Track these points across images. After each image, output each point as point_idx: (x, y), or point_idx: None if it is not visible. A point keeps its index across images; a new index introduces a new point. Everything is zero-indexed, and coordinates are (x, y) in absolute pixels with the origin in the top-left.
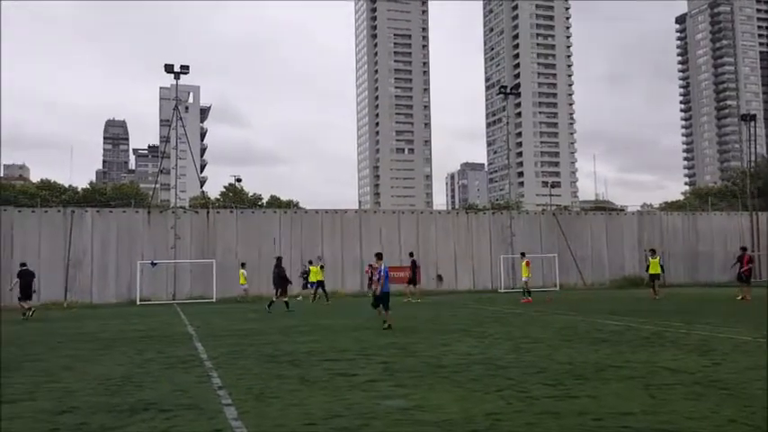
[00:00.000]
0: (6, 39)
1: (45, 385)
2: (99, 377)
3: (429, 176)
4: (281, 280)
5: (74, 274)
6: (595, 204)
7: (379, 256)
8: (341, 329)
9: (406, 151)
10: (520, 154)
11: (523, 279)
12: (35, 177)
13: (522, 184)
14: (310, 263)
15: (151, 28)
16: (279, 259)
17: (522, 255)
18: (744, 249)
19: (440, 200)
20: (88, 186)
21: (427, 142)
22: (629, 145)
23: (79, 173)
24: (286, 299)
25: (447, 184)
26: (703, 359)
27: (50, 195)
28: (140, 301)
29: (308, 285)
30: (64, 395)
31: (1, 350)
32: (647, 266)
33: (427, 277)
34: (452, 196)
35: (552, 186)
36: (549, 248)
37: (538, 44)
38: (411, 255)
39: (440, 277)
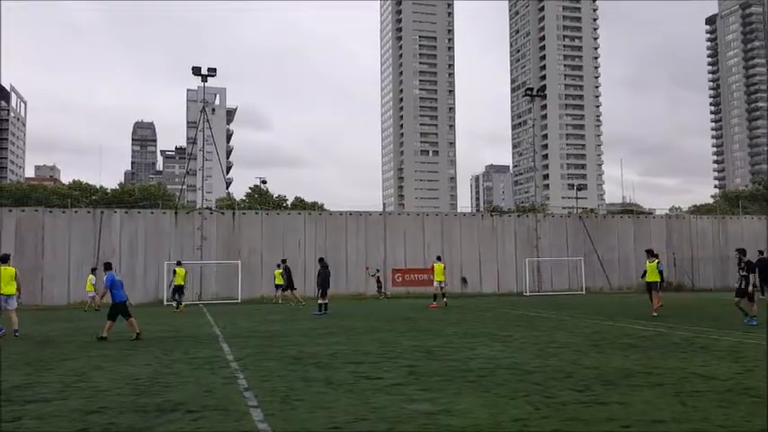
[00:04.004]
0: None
1: (75, 384)
2: (127, 377)
3: (453, 178)
4: (325, 281)
5: (100, 275)
6: (622, 207)
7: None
8: (364, 332)
9: (431, 153)
10: (545, 156)
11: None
12: (66, 178)
13: (547, 186)
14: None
15: (179, 33)
16: (322, 260)
17: (438, 258)
18: (761, 252)
19: (464, 202)
20: (117, 187)
21: (452, 144)
22: (654, 148)
23: (108, 174)
24: (324, 301)
25: (471, 186)
26: (735, 365)
27: (81, 196)
28: (167, 301)
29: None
30: (94, 394)
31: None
32: (644, 272)
33: (452, 280)
34: (477, 198)
35: (578, 189)
36: (575, 252)
37: (564, 45)
38: (438, 258)
39: (464, 280)
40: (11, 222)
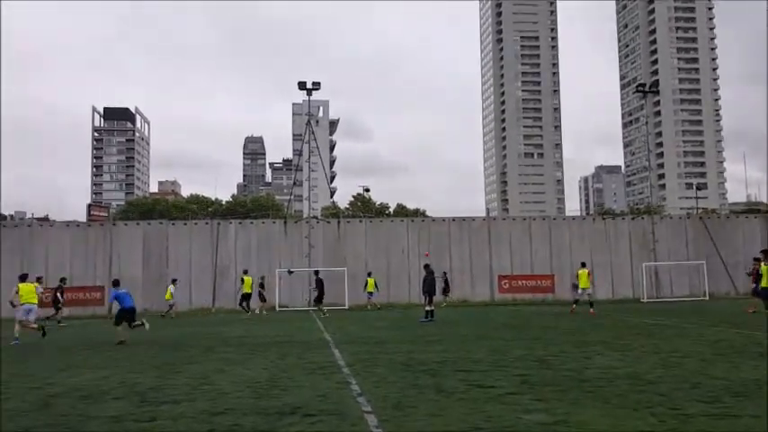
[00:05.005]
0: (157, 69)
1: (201, 387)
2: (247, 380)
3: (560, 181)
4: (431, 287)
5: (220, 282)
6: (747, 206)
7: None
8: (472, 339)
9: (536, 156)
10: (660, 155)
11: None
12: (185, 192)
13: (663, 186)
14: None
15: (281, 48)
16: (428, 266)
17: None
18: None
19: (573, 205)
20: (231, 199)
21: (558, 146)
22: None
23: (223, 187)
24: (431, 308)
25: (580, 188)
26: None
27: (198, 208)
28: (279, 307)
29: (369, 296)
30: (217, 396)
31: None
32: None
33: (562, 286)
34: (586, 201)
35: (698, 188)
36: (695, 255)
37: (677, 38)
38: (583, 264)
39: (575, 286)
40: (138, 235)
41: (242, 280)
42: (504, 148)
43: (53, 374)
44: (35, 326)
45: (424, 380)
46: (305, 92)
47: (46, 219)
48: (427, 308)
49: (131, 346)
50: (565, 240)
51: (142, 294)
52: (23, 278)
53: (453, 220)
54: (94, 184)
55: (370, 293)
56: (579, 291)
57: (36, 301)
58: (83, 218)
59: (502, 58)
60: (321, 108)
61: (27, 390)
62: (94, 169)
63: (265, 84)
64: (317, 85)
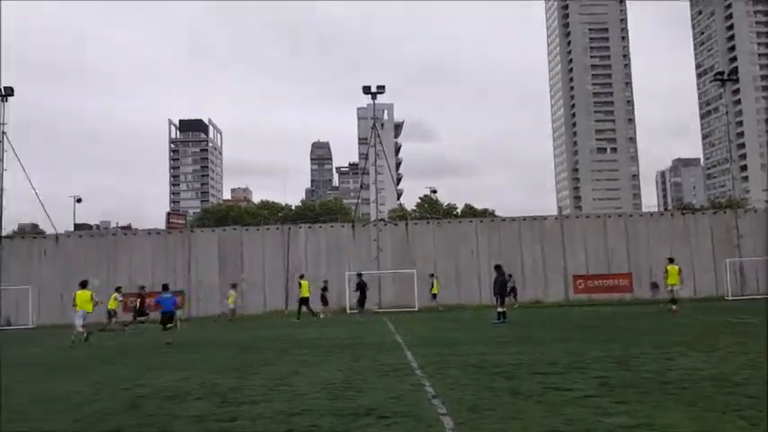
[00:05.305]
0: (230, 80)
1: (278, 388)
2: (322, 381)
3: (636, 176)
4: (503, 288)
5: (292, 286)
6: None
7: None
8: (546, 341)
9: (609, 150)
10: (741, 146)
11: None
12: (256, 198)
13: (745, 178)
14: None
15: (344, 54)
16: (499, 267)
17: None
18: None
19: (649, 200)
20: (300, 204)
21: (632, 139)
22: None
23: (291, 192)
24: (503, 309)
25: (657, 183)
26: None
27: (269, 214)
28: (350, 309)
29: (433, 297)
30: (294, 397)
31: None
32: None
33: (640, 285)
34: (664, 196)
35: None
36: None
37: (756, 22)
38: (671, 260)
39: (654, 285)
40: (214, 240)
41: (299, 284)
42: (576, 143)
43: (140, 376)
44: (81, 330)
45: (499, 382)
46: (370, 96)
47: (129, 227)
48: (499, 309)
49: (209, 349)
50: (642, 237)
51: (219, 298)
52: (83, 285)
53: (524, 219)
54: (172, 193)
55: (434, 295)
56: (668, 288)
57: (90, 309)
58: (162, 225)
59: (570, 52)
60: (386, 111)
61: (118, 391)
62: (172, 179)
63: (330, 89)
64: (381, 89)
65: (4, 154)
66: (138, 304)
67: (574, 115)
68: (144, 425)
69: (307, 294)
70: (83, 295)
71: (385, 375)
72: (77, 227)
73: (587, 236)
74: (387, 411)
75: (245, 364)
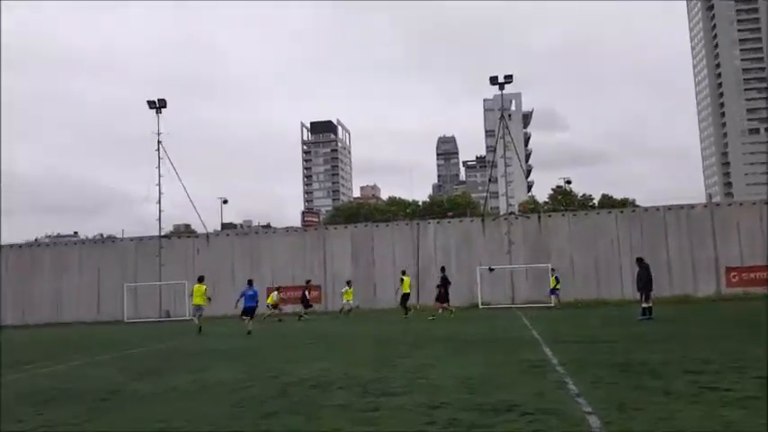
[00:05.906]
0: (355, 82)
1: (417, 381)
2: (459, 376)
3: None
4: (648, 283)
5: (423, 280)
6: None
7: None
8: (697, 338)
9: (762, 131)
10: None
11: None
12: (384, 195)
13: None
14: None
15: (467, 46)
16: (641, 260)
17: None
18: None
19: None
20: (427, 200)
21: None
22: None
23: (418, 188)
24: (649, 304)
25: None
26: None
27: (398, 210)
28: (482, 304)
29: (552, 293)
30: (433, 390)
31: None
32: None
33: None
34: None
35: None
36: None
37: None
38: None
39: None
40: (347, 237)
41: (401, 280)
42: (724, 125)
43: (285, 365)
44: (196, 322)
45: (648, 381)
46: (497, 87)
47: (268, 226)
48: (644, 305)
49: (347, 341)
50: None
51: (354, 292)
52: (201, 279)
53: (669, 208)
54: (306, 193)
55: (554, 290)
56: None
57: (203, 303)
58: (298, 223)
59: (714, 27)
60: (513, 101)
61: (267, 379)
62: (305, 179)
63: (454, 83)
64: (509, 79)
65: (159, 161)
66: (305, 295)
67: (721, 95)
68: (293, 411)
69: (407, 291)
70: (199, 289)
71: (524, 372)
72: (224, 226)
73: (741, 224)
74: (529, 408)
75: (382, 357)
